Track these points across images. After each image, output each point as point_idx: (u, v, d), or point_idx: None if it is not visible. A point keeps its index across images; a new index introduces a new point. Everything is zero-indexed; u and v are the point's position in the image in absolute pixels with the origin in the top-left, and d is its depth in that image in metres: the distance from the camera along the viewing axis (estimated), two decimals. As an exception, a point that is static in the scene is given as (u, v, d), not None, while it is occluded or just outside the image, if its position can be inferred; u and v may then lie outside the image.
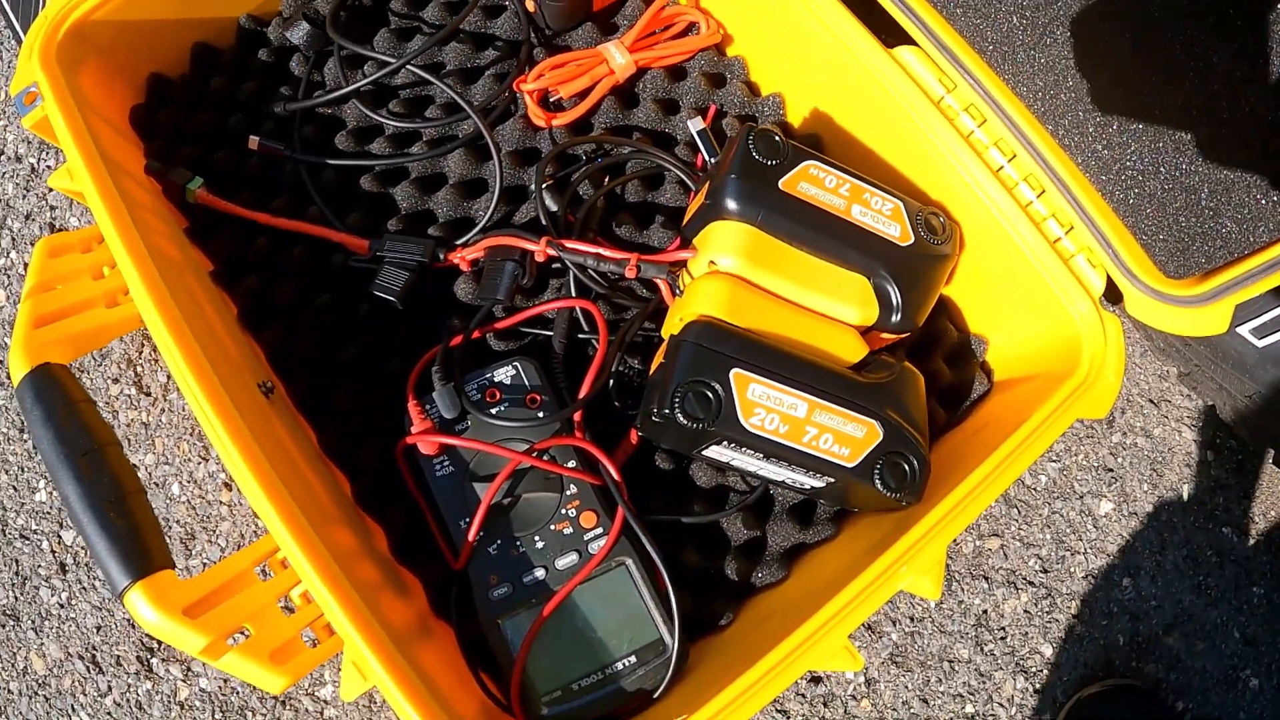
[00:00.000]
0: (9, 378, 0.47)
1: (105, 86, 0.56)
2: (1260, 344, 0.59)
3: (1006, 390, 0.55)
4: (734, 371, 0.44)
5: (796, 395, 0.45)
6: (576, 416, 0.49)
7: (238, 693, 0.67)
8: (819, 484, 0.47)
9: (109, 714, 0.68)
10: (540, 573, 0.47)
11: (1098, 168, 0.53)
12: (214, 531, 0.70)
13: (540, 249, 0.51)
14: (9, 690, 0.68)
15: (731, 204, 0.47)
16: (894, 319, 0.50)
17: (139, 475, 0.69)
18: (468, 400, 0.49)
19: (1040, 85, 0.53)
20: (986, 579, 0.70)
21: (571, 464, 0.49)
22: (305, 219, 0.55)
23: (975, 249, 0.54)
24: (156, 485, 0.71)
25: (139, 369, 0.73)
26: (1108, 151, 0.52)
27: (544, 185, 0.54)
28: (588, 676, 0.46)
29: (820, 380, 0.46)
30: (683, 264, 0.51)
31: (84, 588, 0.70)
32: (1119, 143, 0.52)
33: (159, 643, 0.68)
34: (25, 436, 0.73)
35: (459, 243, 0.54)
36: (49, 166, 0.80)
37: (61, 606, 0.69)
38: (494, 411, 0.49)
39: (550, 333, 0.53)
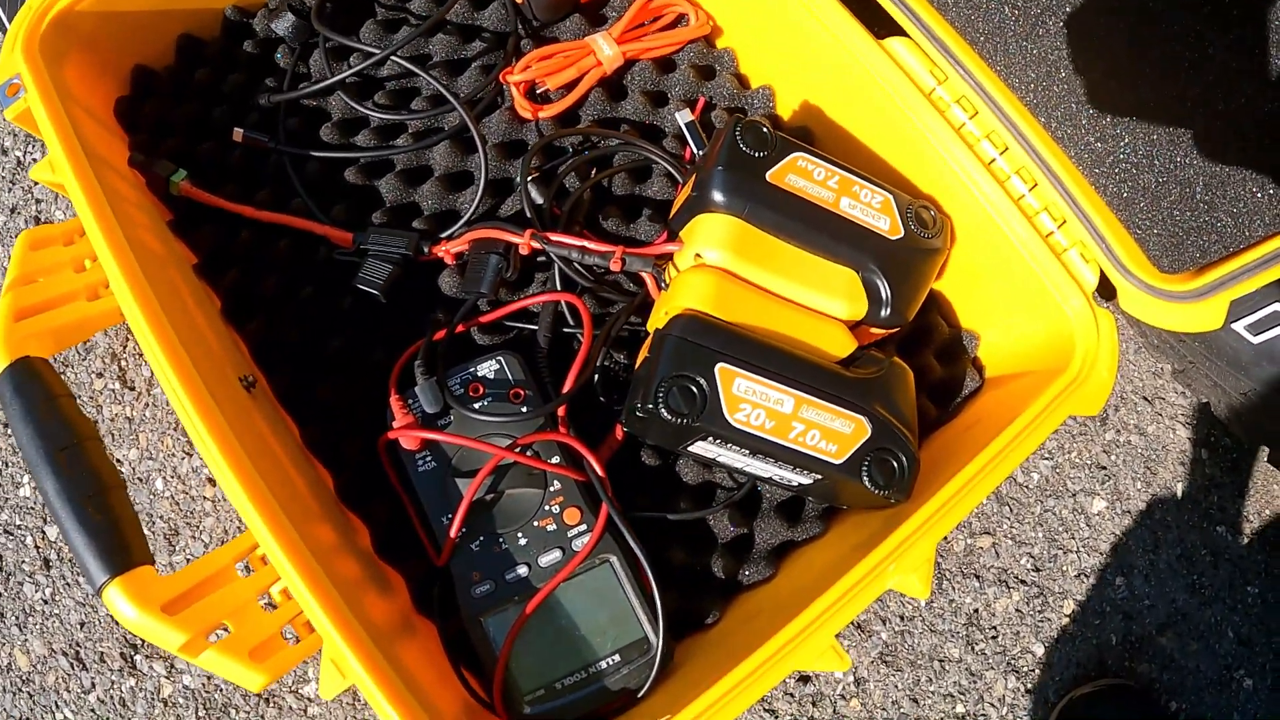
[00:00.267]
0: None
1: (89, 78, 0.56)
2: (1256, 340, 0.58)
3: (998, 386, 0.54)
4: (719, 366, 0.44)
5: (783, 390, 0.44)
6: (560, 411, 0.49)
7: (221, 690, 0.67)
8: (806, 481, 0.47)
9: (93, 711, 0.67)
10: (523, 570, 0.47)
11: (1091, 161, 0.52)
12: (198, 527, 0.69)
13: (524, 242, 0.50)
14: (-8, 687, 0.68)
15: (717, 196, 0.47)
16: (883, 314, 0.49)
17: (123, 470, 0.69)
18: (450, 395, 0.49)
19: (1033, 77, 0.52)
20: (978, 577, 0.70)
21: (555, 459, 0.48)
22: (290, 211, 0.55)
23: (967, 243, 0.53)
24: (140, 480, 0.70)
25: (123, 363, 0.72)
26: (1101, 144, 0.52)
27: (530, 178, 0.53)
28: (571, 675, 0.46)
29: (807, 375, 0.45)
30: (669, 257, 0.50)
31: (68, 584, 0.69)
32: (1113, 135, 0.51)
33: (142, 639, 0.68)
34: (8, 432, 0.72)
35: (443, 236, 0.53)
36: (35, 159, 0.79)
37: (45, 602, 0.69)
38: (477, 406, 0.49)
39: (535, 327, 0.52)
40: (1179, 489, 0.72)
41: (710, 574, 0.50)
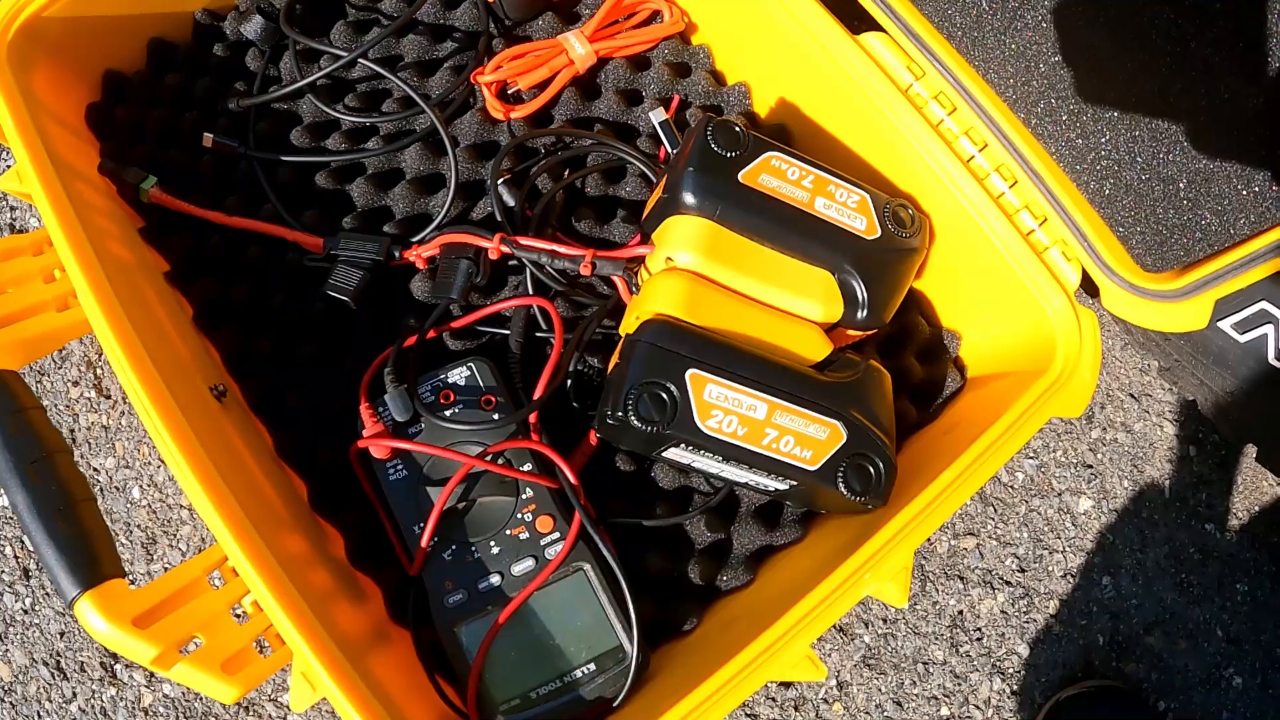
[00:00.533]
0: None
1: (59, 85, 0.55)
2: (1243, 339, 0.57)
3: (980, 387, 0.53)
4: (690, 372, 0.43)
5: (755, 396, 0.44)
6: (532, 418, 0.48)
7: (201, 699, 0.66)
8: (782, 486, 0.46)
9: (75, 720, 0.67)
10: (496, 579, 0.46)
11: (1072, 158, 0.51)
12: (175, 536, 0.69)
13: (494, 246, 0.49)
14: (-26, 697, 0.67)
15: (689, 198, 0.46)
16: (860, 315, 0.48)
17: (99, 479, 0.69)
18: (420, 402, 0.48)
19: (1012, 72, 0.51)
20: (962, 579, 0.69)
21: (527, 467, 0.48)
22: (260, 217, 0.54)
23: (946, 242, 0.52)
24: (117, 489, 0.70)
25: (98, 371, 0.72)
26: (1082, 141, 0.51)
27: (500, 180, 0.53)
28: (546, 684, 0.45)
29: (781, 380, 0.44)
30: (641, 260, 0.49)
31: (47, 593, 0.69)
32: (1094, 131, 0.50)
33: (123, 649, 0.67)
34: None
35: (414, 240, 0.52)
36: (9, 165, 0.78)
37: (25, 612, 0.69)
38: (448, 414, 0.48)
39: (508, 332, 0.51)
40: (1167, 487, 0.71)
41: (687, 580, 0.49)
